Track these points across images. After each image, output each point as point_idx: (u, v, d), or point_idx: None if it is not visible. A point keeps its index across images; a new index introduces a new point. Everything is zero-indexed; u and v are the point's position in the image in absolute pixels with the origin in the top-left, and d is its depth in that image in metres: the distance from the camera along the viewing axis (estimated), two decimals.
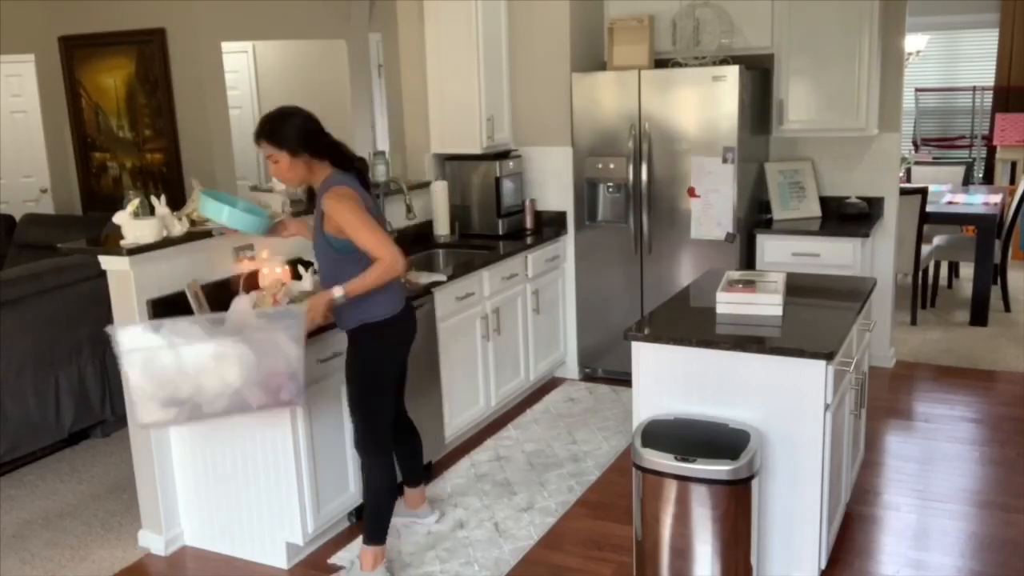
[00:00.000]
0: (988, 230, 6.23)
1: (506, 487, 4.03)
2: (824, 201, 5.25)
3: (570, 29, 5.08)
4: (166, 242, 3.43)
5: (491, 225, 5.11)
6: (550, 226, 5.29)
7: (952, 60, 9.66)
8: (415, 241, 4.99)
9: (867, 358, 3.75)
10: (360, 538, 3.32)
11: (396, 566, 3.42)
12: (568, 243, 5.31)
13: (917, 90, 9.63)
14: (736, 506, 2.77)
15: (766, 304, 3.19)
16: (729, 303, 3.25)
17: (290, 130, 3.03)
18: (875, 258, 5.13)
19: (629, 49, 5.07)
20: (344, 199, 2.98)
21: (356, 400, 3.21)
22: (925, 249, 6.42)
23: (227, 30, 6.80)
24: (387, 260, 2.95)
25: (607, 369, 5.34)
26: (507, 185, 5.14)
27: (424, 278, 4.10)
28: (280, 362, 2.90)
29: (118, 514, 3.93)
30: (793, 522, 3.03)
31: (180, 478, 3.62)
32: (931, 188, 6.52)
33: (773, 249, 4.95)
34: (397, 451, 3.47)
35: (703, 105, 4.75)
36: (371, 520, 3.24)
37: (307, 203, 3.20)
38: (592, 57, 5.33)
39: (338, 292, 2.98)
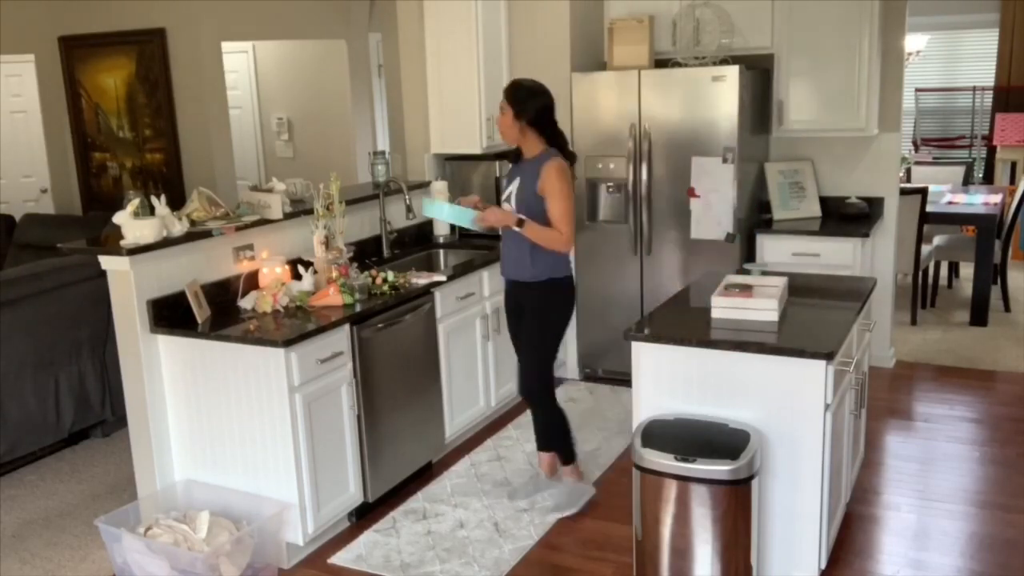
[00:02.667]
0: (988, 230, 6.23)
1: (506, 487, 4.03)
2: (824, 201, 5.25)
3: (570, 29, 5.08)
4: (166, 242, 3.44)
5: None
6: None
7: (952, 60, 9.66)
8: (415, 241, 4.99)
9: (867, 358, 3.75)
10: None
11: (396, 566, 3.42)
12: None
13: (917, 90, 9.62)
14: (736, 506, 2.77)
15: (761, 309, 3.17)
16: (724, 307, 3.23)
17: (529, 101, 3.54)
18: (875, 258, 5.12)
19: (629, 49, 5.07)
20: (564, 172, 3.55)
21: (535, 343, 3.72)
22: (925, 249, 6.42)
23: (227, 30, 6.80)
24: (565, 235, 3.55)
25: (607, 369, 5.34)
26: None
27: (424, 278, 4.10)
28: None
29: None
30: (793, 522, 3.03)
31: (180, 478, 3.62)
32: (931, 188, 6.51)
33: (773, 249, 4.95)
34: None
35: (703, 105, 4.75)
36: (563, 445, 3.87)
37: (513, 159, 3.72)
38: (592, 57, 5.32)
39: (521, 218, 3.55)
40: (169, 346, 3.50)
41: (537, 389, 3.76)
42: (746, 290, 3.30)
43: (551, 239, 3.55)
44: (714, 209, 4.80)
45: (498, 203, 3.88)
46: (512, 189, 3.63)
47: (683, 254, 4.98)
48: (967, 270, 7.12)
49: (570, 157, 3.65)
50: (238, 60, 8.20)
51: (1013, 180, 8.65)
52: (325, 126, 8.01)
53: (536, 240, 3.56)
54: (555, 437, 3.86)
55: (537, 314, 3.68)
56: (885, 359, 5.41)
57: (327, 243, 3.90)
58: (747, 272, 3.64)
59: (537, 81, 3.65)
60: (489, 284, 4.54)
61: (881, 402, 4.85)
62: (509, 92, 3.58)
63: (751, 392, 2.97)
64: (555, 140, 3.62)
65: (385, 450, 3.82)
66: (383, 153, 4.91)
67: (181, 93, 6.73)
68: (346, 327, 3.55)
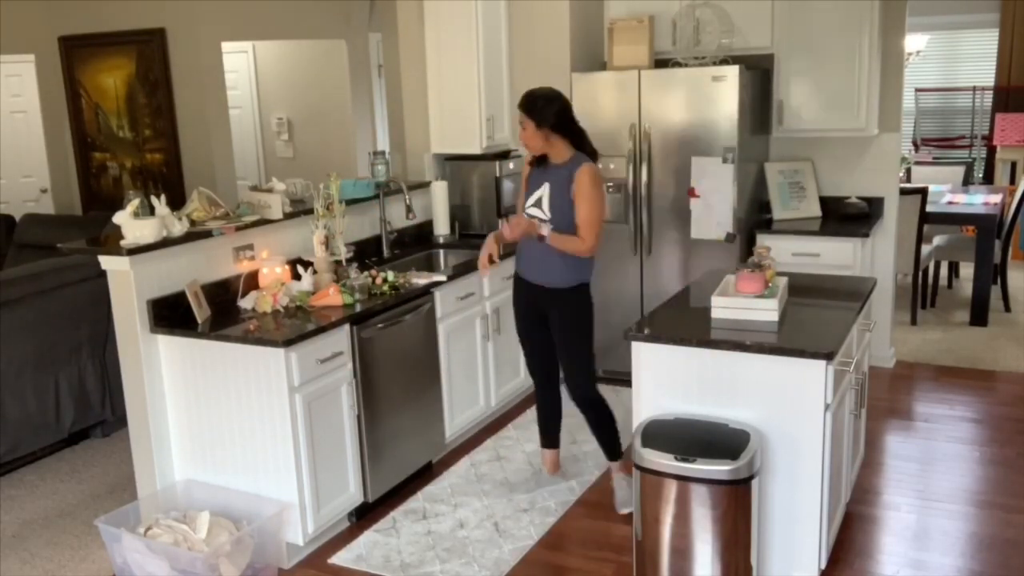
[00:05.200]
0: (988, 230, 6.23)
1: (506, 487, 4.03)
2: (824, 201, 5.25)
3: (570, 29, 5.08)
4: (166, 242, 3.44)
5: (491, 225, 5.10)
6: None
7: (952, 60, 9.66)
8: (415, 241, 4.99)
9: (867, 358, 3.75)
10: None
11: (396, 566, 3.42)
12: None
13: (917, 90, 9.62)
14: (736, 506, 2.77)
15: (761, 309, 3.17)
16: (724, 307, 3.23)
17: (547, 109, 3.53)
18: (875, 258, 5.12)
19: (629, 49, 5.07)
20: (597, 177, 3.56)
21: (580, 348, 3.71)
22: (925, 249, 6.42)
23: (227, 30, 6.80)
24: (587, 243, 3.54)
25: (607, 369, 5.33)
26: (507, 185, 5.14)
27: (424, 278, 4.10)
28: None
29: None
30: (793, 522, 3.03)
31: (180, 478, 3.62)
32: (931, 188, 6.51)
33: (773, 249, 4.91)
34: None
35: (703, 105, 4.75)
36: (617, 441, 3.83)
37: (535, 165, 3.70)
38: (592, 57, 5.32)
39: (547, 229, 3.53)
40: (169, 346, 3.50)
41: (592, 393, 3.75)
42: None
43: (574, 246, 3.54)
44: (714, 209, 4.80)
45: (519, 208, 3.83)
46: (542, 195, 3.60)
47: (683, 254, 4.98)
48: (967, 270, 7.12)
49: (594, 156, 3.66)
50: (238, 60, 8.20)
51: (1013, 180, 8.64)
52: (325, 126, 8.01)
53: (560, 248, 3.55)
54: (614, 433, 3.81)
55: (574, 320, 3.68)
56: (885, 359, 5.41)
57: (327, 243, 3.90)
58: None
59: (547, 87, 3.64)
60: (489, 284, 4.54)
61: (881, 402, 4.85)
62: (525, 104, 3.55)
63: (751, 392, 2.97)
64: (579, 141, 3.63)
65: (385, 450, 3.82)
66: (383, 153, 4.91)
67: (181, 93, 6.73)
68: (346, 327, 3.55)
